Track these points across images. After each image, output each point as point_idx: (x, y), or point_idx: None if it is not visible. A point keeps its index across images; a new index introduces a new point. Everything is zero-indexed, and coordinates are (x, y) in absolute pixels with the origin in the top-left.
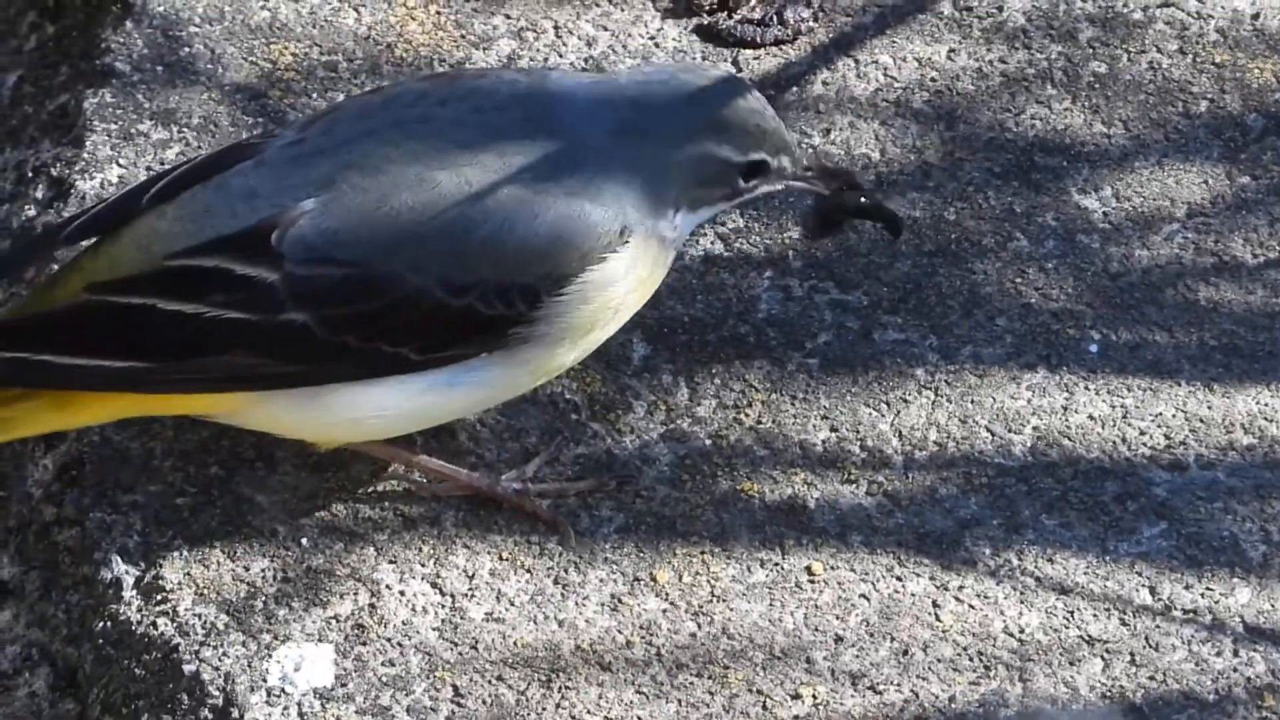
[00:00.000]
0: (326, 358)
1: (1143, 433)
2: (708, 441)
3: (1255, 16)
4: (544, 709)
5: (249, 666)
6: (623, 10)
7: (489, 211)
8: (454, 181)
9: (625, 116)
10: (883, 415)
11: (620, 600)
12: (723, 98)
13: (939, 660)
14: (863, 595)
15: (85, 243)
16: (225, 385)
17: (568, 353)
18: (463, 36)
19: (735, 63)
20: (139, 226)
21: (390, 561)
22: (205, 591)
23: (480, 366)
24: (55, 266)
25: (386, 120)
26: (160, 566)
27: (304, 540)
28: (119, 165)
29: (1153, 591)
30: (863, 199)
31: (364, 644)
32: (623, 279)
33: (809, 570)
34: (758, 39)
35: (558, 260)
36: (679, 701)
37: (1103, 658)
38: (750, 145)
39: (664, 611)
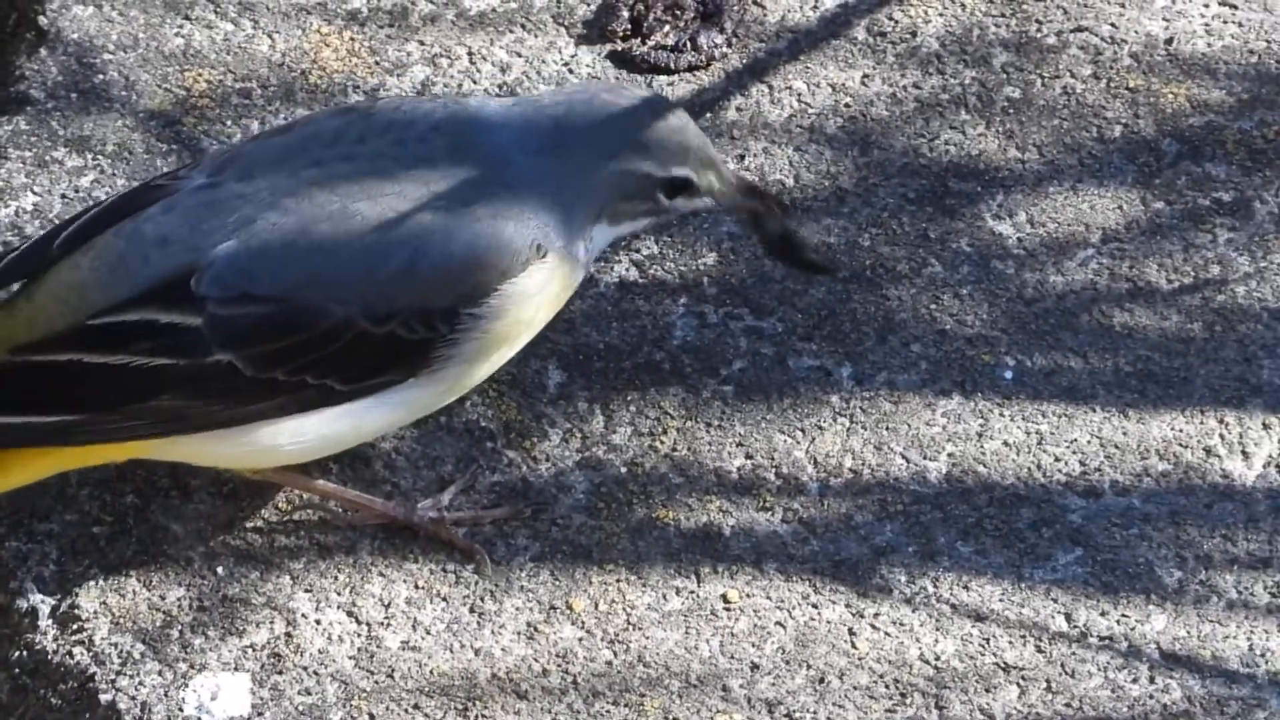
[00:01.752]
0: (254, 395)
1: (1058, 459)
2: (623, 469)
3: (1169, 41)
4: None
5: (165, 695)
6: (536, 36)
7: (405, 238)
8: (374, 211)
9: (547, 136)
10: (798, 442)
11: (536, 628)
12: (645, 115)
13: (855, 688)
14: (778, 623)
15: None
16: (154, 430)
17: (480, 369)
18: (377, 63)
19: (649, 89)
20: (53, 279)
21: (306, 590)
22: (121, 620)
23: (399, 390)
24: None
25: (306, 161)
26: (76, 595)
27: (220, 569)
28: (34, 193)
29: (1068, 618)
30: (781, 234)
31: (280, 673)
32: (536, 295)
33: (724, 598)
34: (671, 65)
35: (474, 281)
36: None
37: (1019, 684)
38: (672, 161)
39: (580, 640)
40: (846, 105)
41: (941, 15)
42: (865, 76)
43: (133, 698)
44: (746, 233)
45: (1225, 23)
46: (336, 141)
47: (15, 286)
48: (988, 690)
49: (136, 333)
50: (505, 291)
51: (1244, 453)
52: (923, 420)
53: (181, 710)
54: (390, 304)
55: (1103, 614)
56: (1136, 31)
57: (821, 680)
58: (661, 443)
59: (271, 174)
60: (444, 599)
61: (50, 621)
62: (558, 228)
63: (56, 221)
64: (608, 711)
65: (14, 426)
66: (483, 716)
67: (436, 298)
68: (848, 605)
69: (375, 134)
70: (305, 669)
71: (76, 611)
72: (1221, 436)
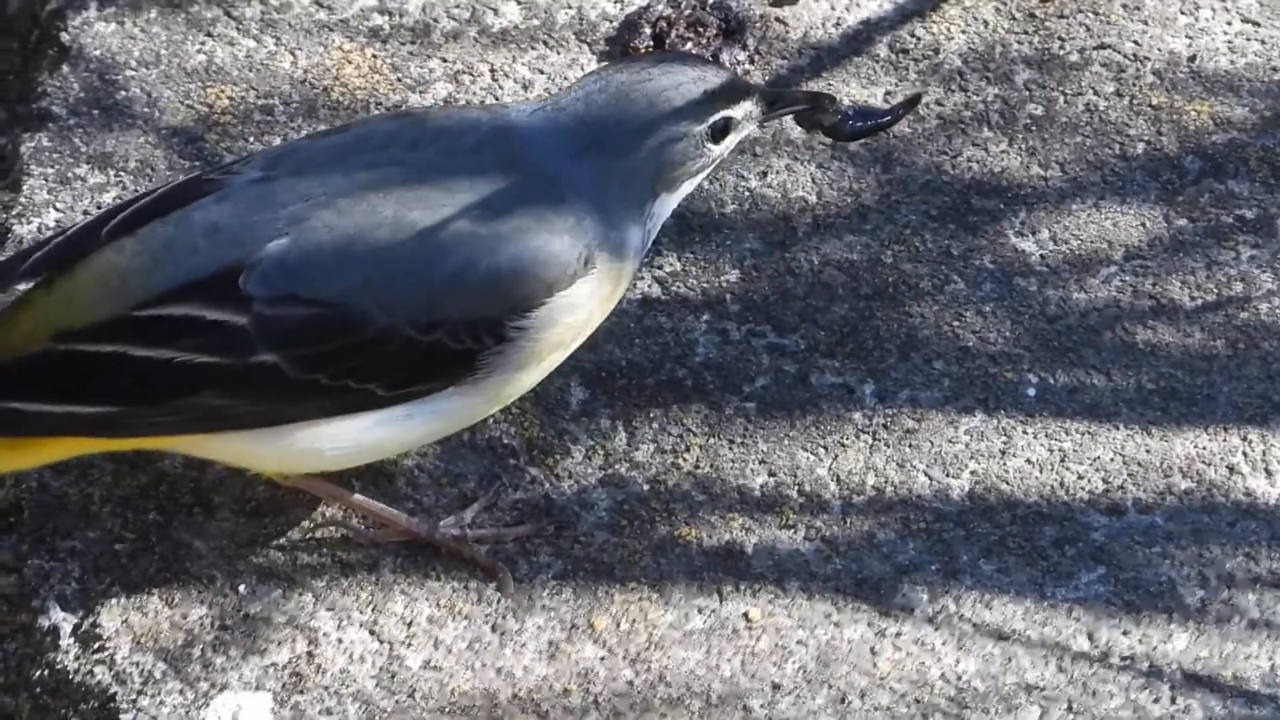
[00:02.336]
0: (296, 397)
1: (1080, 477)
2: (645, 486)
3: (1192, 59)
4: None
5: (186, 715)
6: (559, 53)
7: (453, 250)
8: (427, 220)
9: (578, 136)
10: (820, 459)
11: (558, 647)
12: (663, 79)
13: (876, 708)
14: (800, 642)
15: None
16: (194, 426)
17: (527, 376)
18: (399, 80)
19: None
20: (97, 262)
21: (328, 608)
22: (143, 639)
23: (441, 398)
24: (7, 303)
25: (360, 163)
26: (98, 614)
27: (242, 587)
28: (56, 209)
29: (1090, 637)
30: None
31: (301, 692)
32: (585, 303)
33: (746, 616)
34: None
35: (522, 294)
36: None
37: (1040, 705)
38: (706, 110)
39: (601, 659)
40: None
41: (964, 32)
42: (888, 93)
43: (154, 717)
44: (806, 129)
45: (1248, 40)
46: (390, 145)
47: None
48: (1009, 710)
49: (182, 328)
50: (553, 303)
51: (1267, 471)
52: (945, 438)
53: None
54: (437, 313)
55: (1125, 633)
56: (1159, 49)
57: (843, 700)
58: (684, 460)
59: (325, 173)
60: (466, 617)
61: (72, 640)
62: (606, 233)
63: None
64: None
65: (55, 415)
66: None
67: (483, 309)
68: (869, 624)
69: (428, 141)
70: (327, 688)
71: (98, 630)
72: (1245, 454)
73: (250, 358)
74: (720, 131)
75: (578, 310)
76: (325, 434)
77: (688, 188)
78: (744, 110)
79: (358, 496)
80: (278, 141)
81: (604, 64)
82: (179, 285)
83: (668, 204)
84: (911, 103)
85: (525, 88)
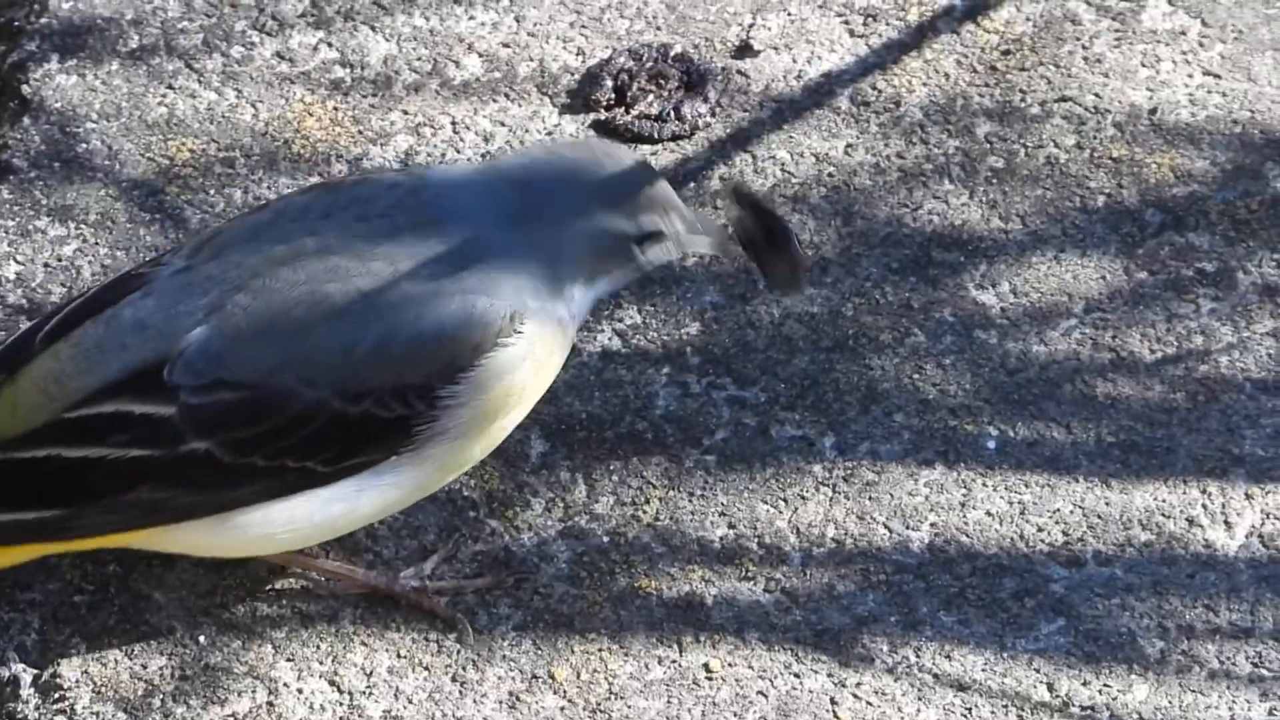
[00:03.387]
0: (234, 482)
1: (1040, 529)
2: (605, 538)
3: (1153, 111)
4: None
5: None
6: (520, 105)
7: (374, 317)
8: (342, 292)
9: (511, 201)
10: (780, 512)
11: (518, 698)
12: (606, 168)
13: None
14: (760, 692)
15: None
16: (141, 521)
17: (474, 444)
18: (360, 132)
19: None
20: (37, 368)
21: (288, 659)
22: (103, 689)
23: (388, 470)
24: None
25: (273, 238)
26: (58, 665)
27: (202, 638)
28: (16, 262)
29: (1050, 688)
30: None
31: None
32: (520, 365)
33: (707, 667)
34: (655, 134)
35: (448, 357)
36: None
37: None
38: (642, 213)
39: (562, 709)
40: (830, 174)
41: (925, 85)
42: (849, 146)
43: None
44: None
45: (1209, 93)
46: (302, 217)
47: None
48: None
49: (112, 425)
50: (485, 365)
51: (1226, 523)
52: (906, 490)
53: None
54: (363, 384)
55: (1085, 684)
56: (1120, 101)
57: None
58: (644, 512)
59: (242, 254)
60: (426, 668)
61: (32, 690)
62: (535, 294)
63: (39, 291)
64: None
65: (6, 524)
66: None
67: (409, 375)
68: (830, 675)
69: (340, 209)
70: None
71: (58, 680)
72: (1204, 507)
73: (180, 447)
74: (649, 240)
75: (512, 374)
76: (277, 518)
77: (605, 288)
78: (673, 229)
79: (315, 559)
80: (238, 195)
81: (553, 137)
82: (108, 383)
83: (586, 297)
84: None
85: (486, 140)
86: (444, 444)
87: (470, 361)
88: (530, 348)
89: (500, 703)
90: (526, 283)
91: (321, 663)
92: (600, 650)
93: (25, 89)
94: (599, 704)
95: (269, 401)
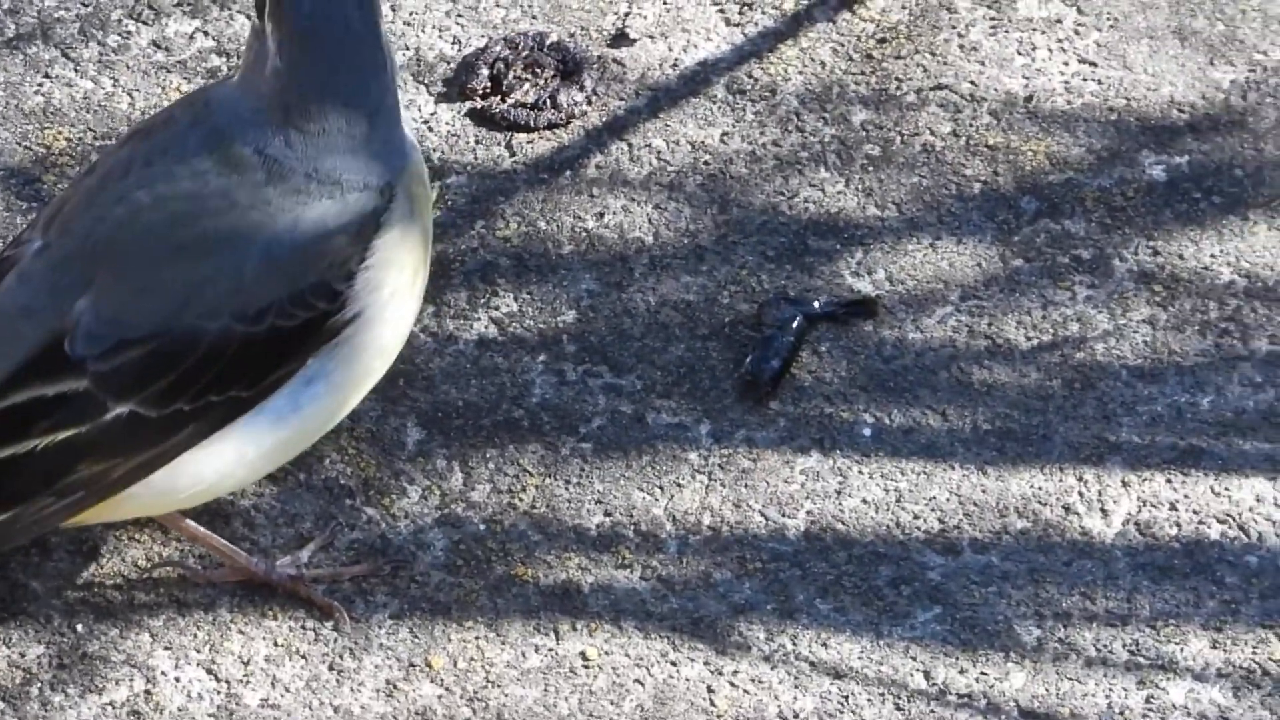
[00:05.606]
0: (168, 434)
1: (917, 516)
2: (482, 526)
3: (1028, 99)
4: None
5: None
6: None
7: (250, 238)
8: (214, 226)
9: (290, 93)
10: (656, 499)
11: (395, 686)
12: None
13: None
14: (637, 680)
15: None
16: (90, 500)
17: (387, 330)
18: None
19: (509, 146)
20: None
21: (166, 647)
22: None
23: (316, 376)
24: None
25: (110, 199)
26: None
27: (79, 626)
28: None
29: (927, 676)
30: None
31: None
32: (403, 230)
33: (583, 655)
34: (531, 123)
35: (333, 248)
36: None
37: None
38: None
39: (439, 697)
40: (706, 163)
41: (801, 73)
42: (725, 134)
43: None
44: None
45: (1085, 80)
46: (128, 173)
47: None
48: None
49: (30, 413)
50: (376, 244)
51: (1103, 510)
52: (781, 478)
53: None
54: (262, 300)
55: (962, 671)
56: (996, 89)
57: None
58: (520, 500)
59: (89, 222)
60: (303, 656)
61: None
62: (374, 152)
63: None
64: None
65: None
66: None
67: (302, 279)
68: (706, 663)
69: (159, 153)
70: None
71: None
72: (1080, 494)
73: (105, 415)
74: None
75: (400, 234)
76: (224, 456)
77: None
78: None
79: (195, 526)
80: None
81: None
82: (12, 373)
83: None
84: None
85: None
86: (358, 332)
87: (356, 247)
88: (408, 201)
89: (378, 691)
90: (360, 154)
91: (199, 651)
92: (477, 638)
93: None
94: (476, 692)
95: (176, 346)
